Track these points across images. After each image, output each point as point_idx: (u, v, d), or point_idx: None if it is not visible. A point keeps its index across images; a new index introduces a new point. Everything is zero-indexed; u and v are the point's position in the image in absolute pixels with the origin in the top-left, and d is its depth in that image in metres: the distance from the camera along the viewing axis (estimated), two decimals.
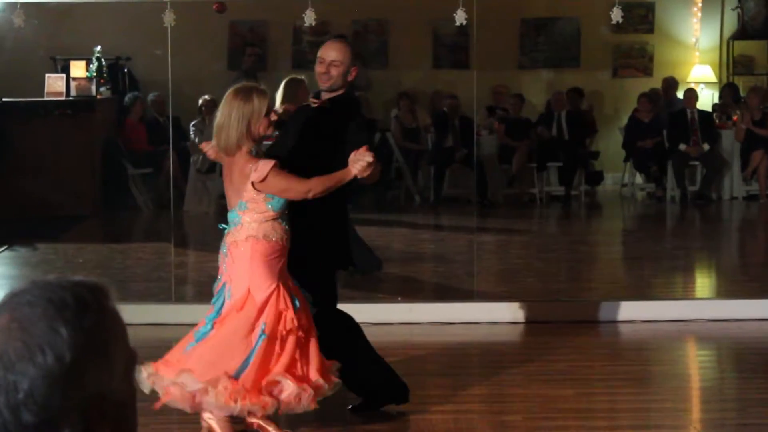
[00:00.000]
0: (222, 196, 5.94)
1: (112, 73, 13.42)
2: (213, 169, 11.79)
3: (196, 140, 12.02)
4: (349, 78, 5.98)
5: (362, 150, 5.59)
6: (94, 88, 12.96)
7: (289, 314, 5.45)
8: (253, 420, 5.48)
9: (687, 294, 9.80)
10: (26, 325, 1.45)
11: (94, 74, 12.94)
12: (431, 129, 14.33)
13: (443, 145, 14.04)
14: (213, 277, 5.82)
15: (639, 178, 14.74)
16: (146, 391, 5.48)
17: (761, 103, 14.32)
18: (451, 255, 10.94)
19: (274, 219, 5.54)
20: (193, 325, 5.80)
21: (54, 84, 12.71)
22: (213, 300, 5.65)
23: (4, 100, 12.70)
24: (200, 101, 12.74)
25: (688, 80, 15.33)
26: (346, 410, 6.15)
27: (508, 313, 8.31)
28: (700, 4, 15.49)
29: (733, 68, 15.56)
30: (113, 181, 13.07)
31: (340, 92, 5.97)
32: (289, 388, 5.41)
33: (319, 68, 5.94)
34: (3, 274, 10.16)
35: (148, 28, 10.30)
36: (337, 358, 5.74)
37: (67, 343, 1.44)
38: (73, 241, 11.62)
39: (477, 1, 8.78)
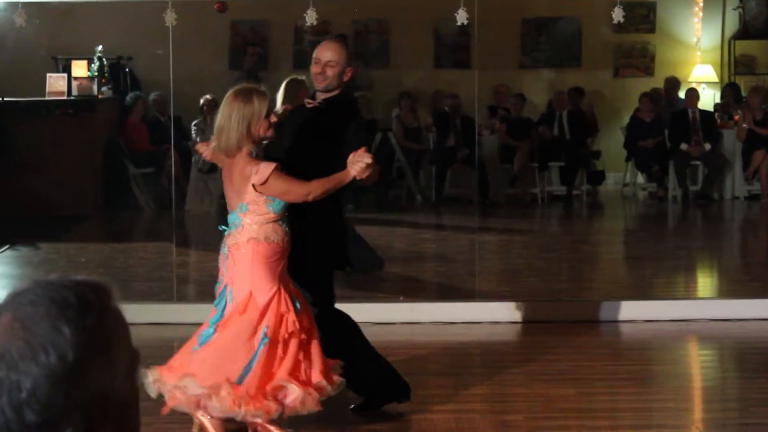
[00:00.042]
0: (223, 196, 5.93)
1: (114, 72, 13.42)
2: (214, 168, 11.76)
3: (198, 140, 12.01)
4: (345, 78, 5.98)
5: (361, 151, 5.59)
6: (95, 87, 12.96)
7: (291, 317, 5.45)
8: (257, 421, 5.47)
9: (689, 294, 9.79)
10: (29, 324, 1.45)
11: (96, 74, 12.95)
12: (432, 129, 14.33)
13: (445, 145, 14.04)
14: (215, 276, 5.82)
15: (640, 178, 14.74)
16: (153, 395, 5.48)
17: (763, 103, 14.32)
18: (452, 255, 10.94)
19: (274, 221, 5.54)
20: (195, 324, 5.81)
21: (55, 83, 12.72)
22: (215, 302, 5.64)
23: (5, 99, 12.71)
24: (202, 101, 12.74)
25: (690, 80, 15.33)
26: (348, 410, 6.15)
27: (509, 312, 8.31)
28: (701, 4, 15.49)
29: (735, 68, 15.56)
30: (115, 181, 13.07)
31: (335, 92, 5.97)
32: (294, 393, 5.40)
33: (314, 68, 5.94)
34: (5, 273, 10.16)
35: (150, 27, 10.31)
36: (337, 359, 5.74)
37: (70, 342, 1.44)
38: (74, 240, 11.63)
39: (478, 1, 8.78)
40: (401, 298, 8.73)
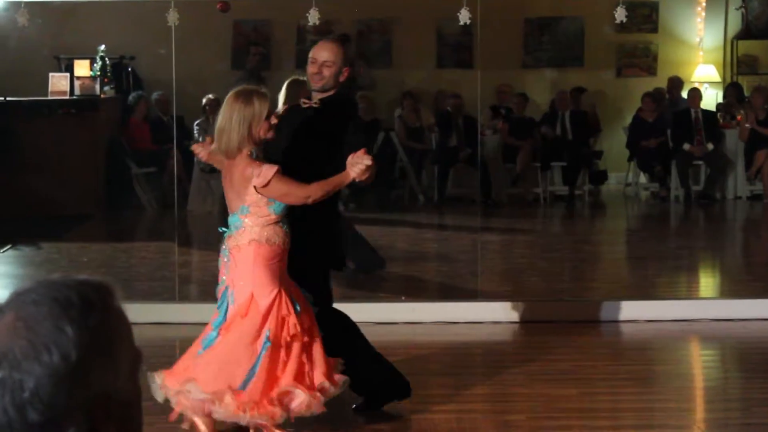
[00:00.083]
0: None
1: (116, 72, 13.43)
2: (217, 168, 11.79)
3: (200, 139, 12.02)
4: (341, 78, 5.98)
5: (360, 153, 5.58)
6: (98, 87, 12.97)
7: (292, 320, 5.44)
8: (262, 423, 5.46)
9: (691, 294, 9.79)
10: (32, 324, 1.45)
11: (98, 73, 12.95)
12: (435, 128, 14.33)
13: (447, 145, 14.04)
14: (216, 276, 5.82)
15: (643, 178, 14.73)
16: (160, 400, 5.49)
17: (765, 103, 14.31)
18: (454, 254, 10.94)
19: (275, 222, 5.53)
20: (197, 324, 5.81)
21: (58, 83, 12.73)
22: (218, 305, 5.63)
23: (8, 99, 12.72)
24: (204, 100, 12.75)
25: (692, 80, 15.33)
26: (348, 410, 6.15)
27: (511, 312, 8.31)
28: (704, 4, 15.49)
29: (737, 68, 15.55)
30: (117, 180, 13.08)
31: (331, 92, 5.97)
32: (299, 397, 5.41)
33: (311, 68, 5.95)
34: (7, 273, 10.16)
35: (152, 27, 10.31)
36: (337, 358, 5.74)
37: (73, 342, 1.44)
38: (76, 240, 11.63)
39: (481, 1, 8.78)
40: (403, 297, 8.73)
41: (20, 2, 8.96)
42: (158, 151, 12.89)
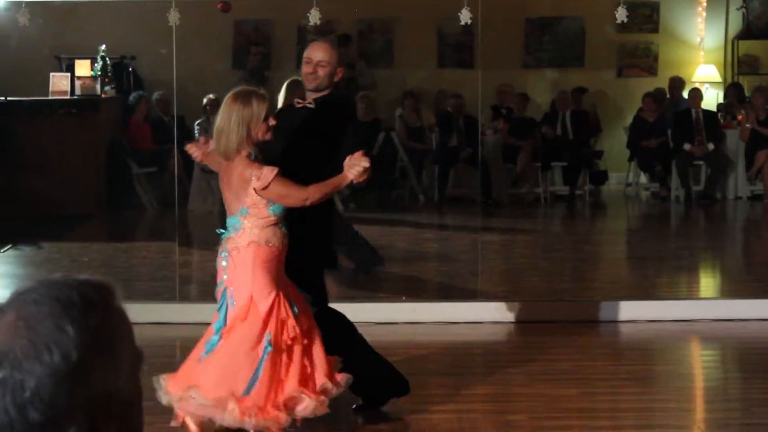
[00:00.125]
0: None
1: (117, 72, 13.44)
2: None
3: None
4: (336, 79, 6.01)
5: (358, 155, 5.57)
6: (98, 87, 12.97)
7: (290, 322, 5.44)
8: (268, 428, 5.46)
9: (691, 294, 9.79)
10: (33, 323, 1.45)
11: (99, 73, 12.96)
12: (436, 128, 14.33)
13: (448, 145, 14.04)
14: (216, 277, 5.81)
15: (643, 178, 14.73)
16: (164, 402, 5.48)
17: (766, 103, 14.31)
18: (455, 254, 10.94)
19: (274, 224, 5.52)
20: (198, 324, 5.81)
21: (58, 83, 12.73)
22: (217, 308, 5.62)
23: (8, 98, 12.72)
24: (205, 100, 12.75)
25: (693, 80, 15.33)
26: (349, 410, 6.15)
27: (511, 312, 8.31)
28: (705, 4, 15.49)
29: (738, 68, 15.55)
30: (118, 180, 13.08)
31: (325, 92, 5.99)
32: (304, 402, 5.41)
33: (305, 68, 5.97)
34: (7, 272, 10.17)
35: (153, 27, 10.31)
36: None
37: (74, 341, 1.45)
38: (77, 239, 11.63)
39: (482, 1, 8.78)
40: (403, 297, 8.73)
41: (21, 2, 8.97)
42: (159, 151, 12.89)
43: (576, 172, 14.30)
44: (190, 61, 11.00)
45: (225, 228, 5.64)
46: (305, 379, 5.44)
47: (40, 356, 1.43)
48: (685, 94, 14.88)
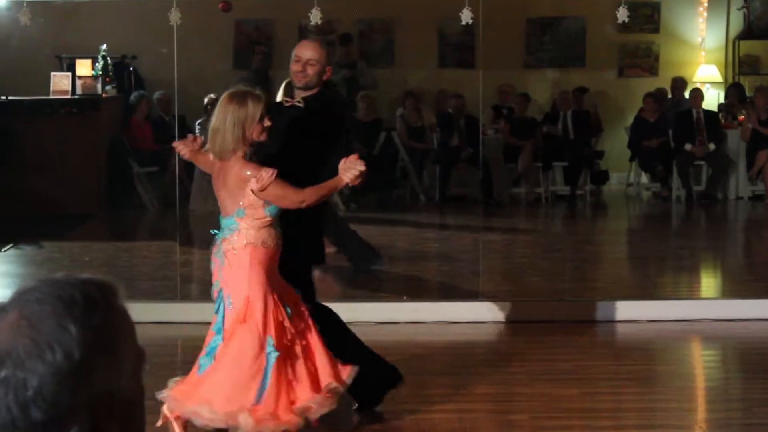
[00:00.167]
0: None
1: (118, 71, 13.44)
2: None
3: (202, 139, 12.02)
4: (325, 77, 6.02)
5: (353, 158, 5.56)
6: (99, 86, 12.98)
7: (286, 323, 5.44)
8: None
9: (692, 294, 9.79)
10: (35, 322, 1.45)
11: (100, 73, 12.96)
12: (436, 128, 14.33)
13: (449, 145, 14.04)
14: None
15: (644, 178, 14.73)
16: (167, 412, 5.48)
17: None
18: (456, 254, 10.94)
19: (270, 225, 5.50)
20: (199, 323, 5.81)
21: (59, 82, 12.73)
22: (215, 309, 5.61)
23: (9, 98, 12.73)
24: (206, 100, 12.75)
25: (694, 80, 15.33)
26: (349, 410, 6.13)
27: (512, 312, 8.31)
28: (705, 4, 15.49)
29: (739, 68, 15.55)
30: (119, 180, 13.09)
31: (314, 91, 5.99)
32: (316, 403, 5.41)
33: (294, 67, 5.98)
34: (8, 272, 10.17)
35: (154, 26, 10.32)
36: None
37: (76, 340, 1.44)
38: (78, 239, 11.64)
39: (483, 1, 8.78)
40: (405, 297, 8.73)
41: (22, 1, 8.97)
42: (160, 151, 12.89)
43: (577, 172, 14.30)
44: (191, 60, 11.00)
45: (218, 228, 5.63)
46: (316, 384, 5.44)
47: (42, 355, 1.43)
48: (686, 94, 14.88)
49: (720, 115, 14.70)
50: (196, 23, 10.83)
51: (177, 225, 10.14)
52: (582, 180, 14.35)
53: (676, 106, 14.90)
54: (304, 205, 5.53)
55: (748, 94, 15.02)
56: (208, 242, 5.78)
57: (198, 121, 12.86)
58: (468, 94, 13.72)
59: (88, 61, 12.96)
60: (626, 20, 8.83)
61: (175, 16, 8.66)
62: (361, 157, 5.59)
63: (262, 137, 5.46)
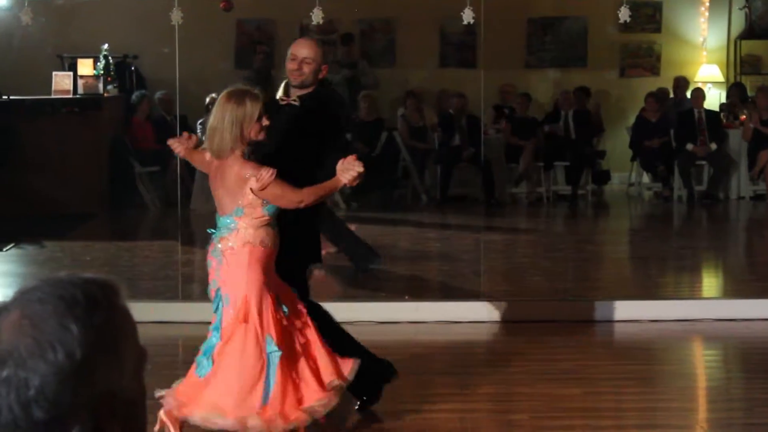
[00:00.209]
0: None
1: (120, 71, 13.45)
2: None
3: (203, 138, 12.02)
4: (320, 76, 6.03)
5: (351, 159, 5.56)
6: (101, 86, 12.99)
7: (284, 322, 5.44)
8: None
9: (694, 293, 9.78)
10: (37, 321, 1.45)
11: (102, 72, 12.97)
12: (438, 128, 14.34)
13: (450, 144, 14.04)
14: None
15: (646, 178, 14.73)
16: (164, 417, 5.48)
17: None
18: (457, 254, 10.94)
19: (268, 223, 5.50)
20: (200, 323, 5.80)
21: (61, 82, 12.74)
22: (213, 308, 5.60)
23: (11, 97, 12.73)
24: (207, 99, 12.74)
25: (696, 80, 15.33)
26: (349, 410, 6.14)
27: (514, 312, 8.31)
28: (707, 4, 15.49)
29: (741, 68, 15.55)
30: (120, 179, 13.09)
31: (310, 89, 6.00)
32: (322, 405, 5.43)
33: (290, 65, 5.99)
34: (10, 271, 10.17)
35: (156, 26, 10.32)
36: None
37: (78, 340, 1.44)
38: (80, 238, 11.64)
39: (484, 0, 8.78)
40: (406, 297, 8.73)
41: (24, 0, 8.97)
42: (161, 150, 12.86)
43: (578, 171, 14.30)
44: (193, 60, 10.98)
45: (214, 227, 5.63)
46: (321, 384, 5.44)
47: (44, 355, 1.43)
48: (688, 94, 14.88)
49: (721, 114, 14.70)
50: (197, 23, 10.84)
51: (178, 224, 10.14)
52: (583, 180, 14.35)
53: (677, 106, 14.90)
54: (302, 205, 5.52)
55: (749, 93, 15.02)
56: (210, 242, 5.78)
57: (199, 121, 12.86)
58: (469, 93, 13.73)
59: (90, 61, 12.97)
60: (628, 20, 8.84)
61: (176, 16, 8.66)
62: (359, 158, 5.59)
63: (260, 136, 5.45)
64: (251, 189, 5.40)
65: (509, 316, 8.28)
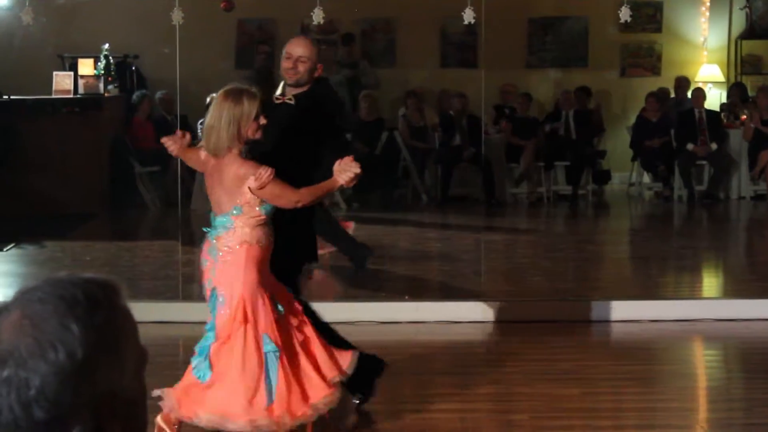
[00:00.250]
0: None
1: (120, 70, 13.45)
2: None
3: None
4: (315, 75, 6.03)
5: (348, 159, 5.55)
6: (101, 86, 12.99)
7: (281, 321, 5.44)
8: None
9: (694, 293, 9.78)
10: (37, 321, 1.46)
11: (102, 72, 12.97)
12: (438, 128, 14.34)
13: (451, 144, 14.04)
14: None
15: (646, 178, 14.74)
16: (161, 423, 5.49)
17: None
18: (458, 254, 10.94)
19: (264, 223, 5.50)
20: (201, 323, 5.79)
21: (62, 82, 12.74)
22: (210, 308, 5.60)
23: (12, 97, 12.74)
24: (208, 99, 12.68)
25: (696, 80, 15.33)
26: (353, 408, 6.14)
27: (514, 312, 8.31)
28: (708, 4, 15.49)
29: (741, 68, 15.56)
30: (121, 179, 13.10)
31: (305, 88, 6.00)
32: (325, 403, 5.44)
33: (285, 63, 5.99)
34: (10, 271, 10.17)
35: (156, 25, 10.33)
36: None
37: (79, 340, 1.45)
38: (80, 238, 11.64)
39: (485, 0, 8.78)
40: (406, 297, 8.73)
41: (25, 0, 8.97)
42: (162, 150, 12.70)
43: (579, 171, 14.30)
44: (193, 59, 10.99)
45: (210, 227, 5.63)
46: (324, 381, 5.45)
47: (45, 354, 1.43)
48: (689, 94, 14.88)
49: (722, 114, 14.70)
50: (198, 22, 10.84)
51: (179, 224, 10.15)
52: (584, 180, 14.35)
53: (678, 106, 14.90)
54: (299, 204, 5.52)
55: (750, 93, 15.02)
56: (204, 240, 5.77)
57: (200, 121, 12.84)
58: (470, 93, 13.73)
59: (91, 61, 12.97)
60: (628, 20, 8.84)
61: (177, 16, 8.67)
62: (359, 158, 5.59)
63: (258, 135, 5.44)
64: (250, 188, 5.39)
65: (509, 316, 8.28)
